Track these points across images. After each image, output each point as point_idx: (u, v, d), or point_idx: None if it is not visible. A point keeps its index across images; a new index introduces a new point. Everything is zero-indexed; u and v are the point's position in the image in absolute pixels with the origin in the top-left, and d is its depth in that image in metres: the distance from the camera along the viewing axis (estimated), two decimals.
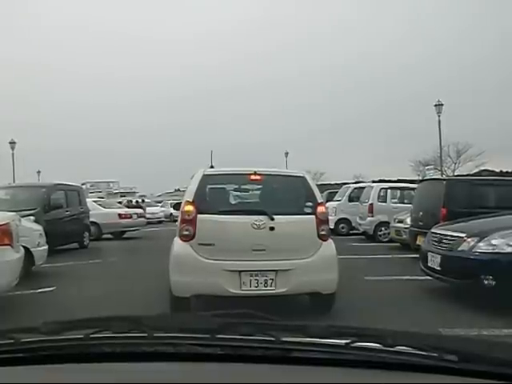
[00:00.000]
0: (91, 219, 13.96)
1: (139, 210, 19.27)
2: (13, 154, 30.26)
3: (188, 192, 5.06)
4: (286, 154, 39.96)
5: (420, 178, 29.94)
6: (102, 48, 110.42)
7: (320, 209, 5.02)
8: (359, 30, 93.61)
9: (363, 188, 16.06)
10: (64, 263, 9.46)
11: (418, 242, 8.60)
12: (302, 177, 5.27)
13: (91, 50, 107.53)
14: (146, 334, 1.08)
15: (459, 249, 5.62)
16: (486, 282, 5.18)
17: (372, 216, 13.99)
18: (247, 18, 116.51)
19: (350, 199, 16.45)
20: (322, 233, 4.98)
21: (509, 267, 5.14)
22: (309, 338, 1.07)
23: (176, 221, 5.73)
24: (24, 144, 34.77)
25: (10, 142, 30.33)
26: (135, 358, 1.06)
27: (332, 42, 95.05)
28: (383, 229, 13.64)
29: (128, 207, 20.99)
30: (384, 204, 14.16)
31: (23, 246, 6.23)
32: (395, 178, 31.01)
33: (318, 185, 6.77)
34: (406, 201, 13.90)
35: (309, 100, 76.09)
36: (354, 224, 15.71)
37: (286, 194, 5.46)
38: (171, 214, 28.09)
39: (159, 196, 52.17)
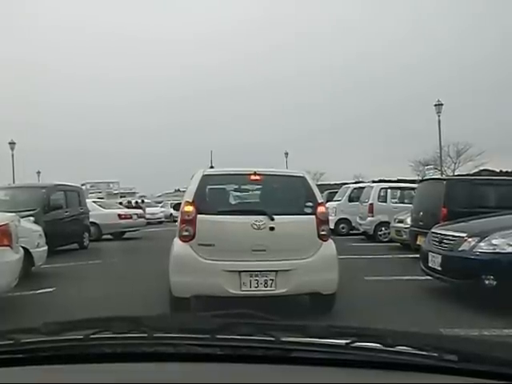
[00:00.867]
0: (91, 220, 13.98)
1: (139, 211, 19.28)
2: (12, 155, 30.19)
3: (188, 192, 5.05)
4: (286, 154, 40.01)
5: (420, 178, 29.95)
6: (102, 48, 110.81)
7: (320, 209, 5.01)
8: (359, 30, 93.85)
9: (363, 188, 16.06)
10: (64, 264, 9.46)
11: (418, 242, 8.61)
12: (302, 177, 5.27)
13: (92, 51, 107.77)
14: (146, 335, 1.08)
15: (460, 249, 5.62)
16: (486, 282, 5.17)
17: (372, 216, 13.99)
18: (247, 17, 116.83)
19: (350, 199, 16.45)
20: (322, 233, 4.97)
21: (510, 267, 5.14)
22: (309, 338, 1.07)
23: (176, 221, 5.72)
24: (24, 145, 34.90)
25: (10, 143, 30.23)
26: (135, 358, 1.05)
27: (332, 41, 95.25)
28: (383, 229, 13.65)
29: (128, 208, 20.98)
30: (384, 204, 14.16)
31: (22, 247, 6.24)
32: (395, 178, 31.10)
33: (317, 185, 6.77)
34: (406, 201, 13.89)
35: (308, 100, 76.29)
36: (354, 224, 15.71)
37: (285, 194, 5.44)
38: (171, 214, 28.07)
39: (159, 196, 52.20)
